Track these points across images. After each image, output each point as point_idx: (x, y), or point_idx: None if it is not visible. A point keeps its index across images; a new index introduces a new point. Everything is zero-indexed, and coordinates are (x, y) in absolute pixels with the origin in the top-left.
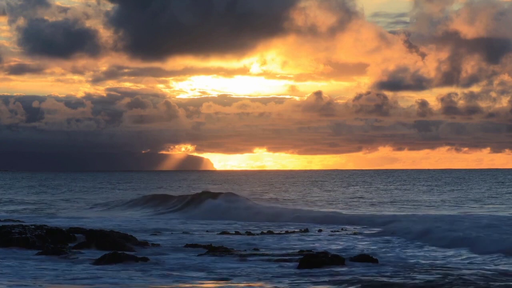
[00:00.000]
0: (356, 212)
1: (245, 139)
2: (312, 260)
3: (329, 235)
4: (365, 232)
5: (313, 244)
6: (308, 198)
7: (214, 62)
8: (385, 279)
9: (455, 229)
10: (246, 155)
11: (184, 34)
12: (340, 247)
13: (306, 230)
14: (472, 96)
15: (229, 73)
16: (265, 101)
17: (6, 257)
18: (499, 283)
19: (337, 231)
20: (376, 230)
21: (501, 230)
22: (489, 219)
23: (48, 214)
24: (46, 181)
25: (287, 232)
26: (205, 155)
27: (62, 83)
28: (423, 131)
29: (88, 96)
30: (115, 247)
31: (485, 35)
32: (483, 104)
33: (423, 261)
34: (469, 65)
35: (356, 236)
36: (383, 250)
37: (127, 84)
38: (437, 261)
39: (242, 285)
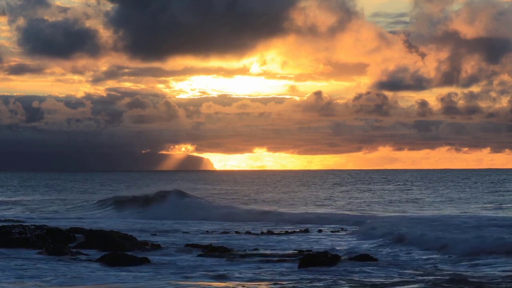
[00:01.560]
0: (310, 211)
1: (245, 139)
2: (312, 260)
3: (328, 235)
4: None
5: (313, 244)
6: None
7: (214, 62)
8: (386, 278)
9: (442, 230)
10: (246, 155)
11: (184, 34)
12: (341, 247)
13: (306, 230)
14: (472, 96)
15: (229, 73)
16: (265, 101)
17: (6, 257)
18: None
19: (337, 231)
20: (353, 229)
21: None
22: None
23: (48, 214)
24: (41, 181)
25: (287, 232)
26: (205, 155)
27: (62, 83)
28: (423, 131)
29: (88, 96)
30: (115, 247)
31: (485, 35)
32: (483, 104)
33: (422, 261)
34: (469, 65)
35: (352, 236)
36: (382, 249)
37: (127, 84)
38: (433, 261)
39: (242, 285)
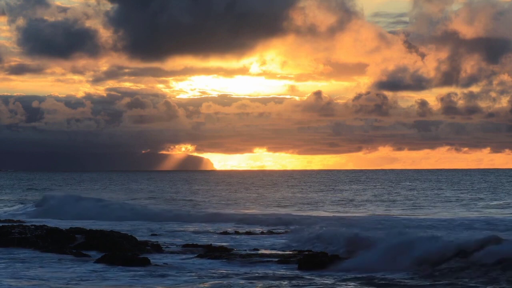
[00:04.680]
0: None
1: (245, 139)
2: (312, 260)
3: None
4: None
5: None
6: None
7: (214, 62)
8: (386, 276)
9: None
10: (246, 155)
11: (184, 34)
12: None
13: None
14: (471, 96)
15: (229, 73)
16: (265, 101)
17: (6, 257)
18: None
19: (265, 233)
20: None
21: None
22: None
23: (48, 214)
24: (14, 181)
25: (286, 232)
26: (205, 155)
27: (62, 83)
28: (423, 131)
29: (88, 96)
30: (115, 247)
31: (484, 35)
32: (483, 104)
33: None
34: (469, 65)
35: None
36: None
37: (127, 84)
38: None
39: (243, 285)
